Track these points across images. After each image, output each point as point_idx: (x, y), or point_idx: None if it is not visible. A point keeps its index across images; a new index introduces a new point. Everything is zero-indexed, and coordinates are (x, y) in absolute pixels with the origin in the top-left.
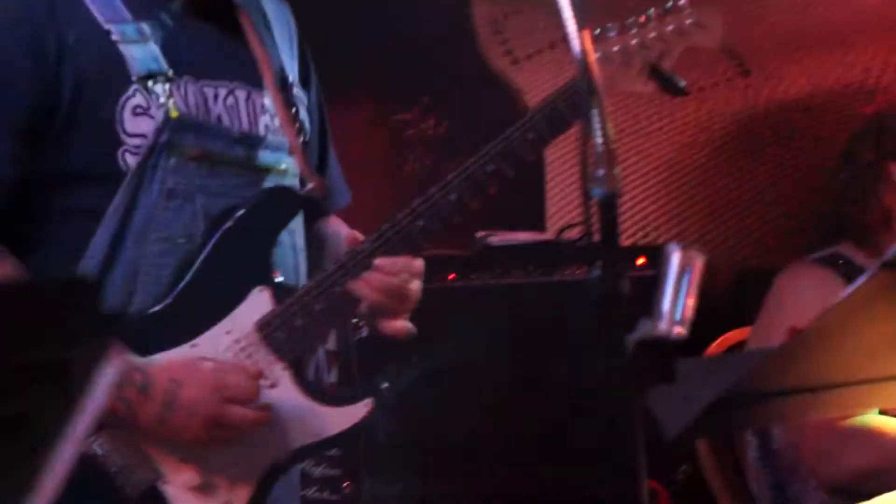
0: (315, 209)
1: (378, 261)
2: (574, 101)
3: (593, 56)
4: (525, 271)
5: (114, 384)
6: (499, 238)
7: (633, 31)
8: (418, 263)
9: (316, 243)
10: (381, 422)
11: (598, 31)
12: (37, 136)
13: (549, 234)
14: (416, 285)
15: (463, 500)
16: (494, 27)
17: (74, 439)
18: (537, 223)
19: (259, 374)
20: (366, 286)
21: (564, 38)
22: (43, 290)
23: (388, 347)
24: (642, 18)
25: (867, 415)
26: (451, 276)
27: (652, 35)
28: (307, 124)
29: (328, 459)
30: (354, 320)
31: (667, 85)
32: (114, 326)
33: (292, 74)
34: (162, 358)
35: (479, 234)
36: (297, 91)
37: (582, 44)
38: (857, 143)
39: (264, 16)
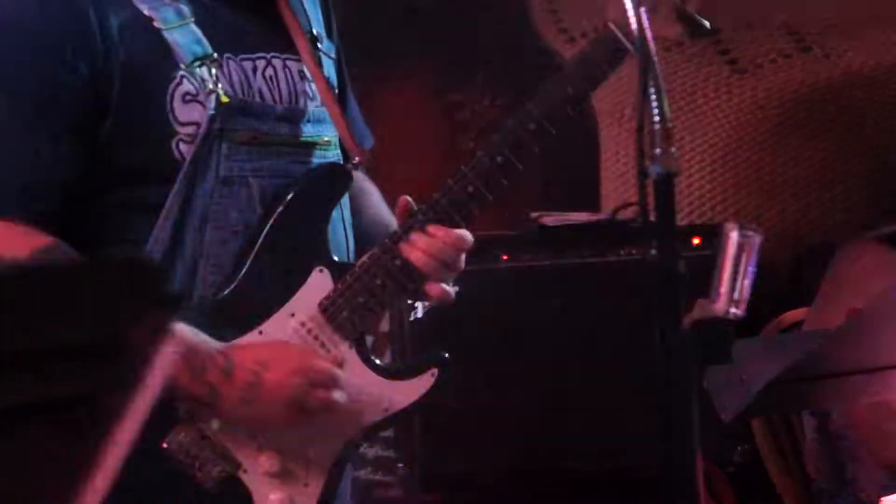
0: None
1: (430, 228)
2: (608, 51)
3: (651, 35)
4: (579, 252)
5: (196, 369)
6: (552, 218)
7: None
8: (468, 235)
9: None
10: (437, 402)
11: None
12: (91, 133)
13: (603, 214)
14: (463, 257)
15: (518, 479)
16: (550, 5)
17: (134, 420)
18: (592, 203)
19: (341, 362)
20: (416, 250)
21: (620, 14)
22: (101, 270)
23: (443, 329)
24: None
25: None
26: (505, 257)
27: None
28: (335, 81)
29: (382, 441)
30: (409, 301)
31: (693, 26)
32: (173, 307)
33: (318, 26)
34: (244, 342)
35: (533, 214)
36: (326, 44)
37: (638, 18)
38: None
39: None
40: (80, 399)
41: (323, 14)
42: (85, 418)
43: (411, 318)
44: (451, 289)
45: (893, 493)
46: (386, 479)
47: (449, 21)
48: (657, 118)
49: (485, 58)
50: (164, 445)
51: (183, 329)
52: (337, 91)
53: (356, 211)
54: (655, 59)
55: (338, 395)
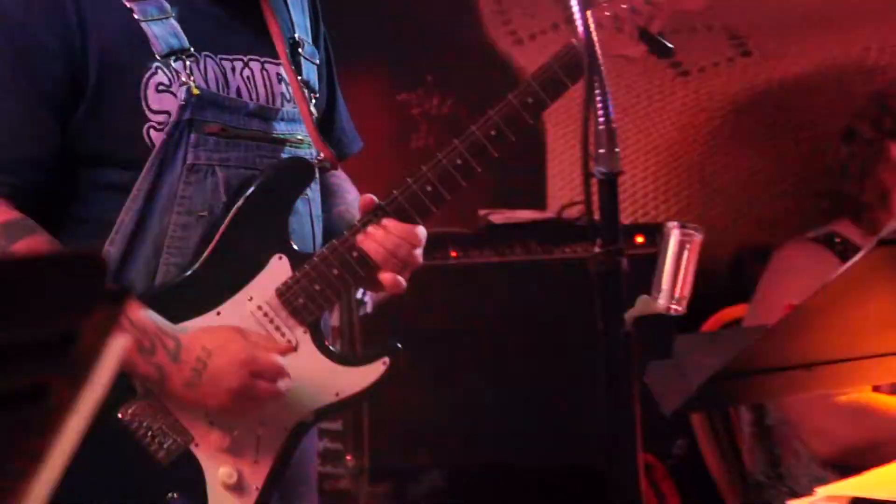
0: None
1: (385, 221)
2: (570, 65)
3: (596, 36)
4: (526, 249)
5: (146, 349)
6: (500, 216)
7: None
8: (422, 232)
9: (323, 193)
10: (384, 396)
11: None
12: (66, 114)
13: (549, 213)
14: (419, 252)
15: (462, 472)
16: (498, 8)
17: (86, 409)
18: (538, 202)
19: (289, 350)
20: (372, 242)
21: (567, 19)
22: (50, 263)
23: (392, 324)
24: None
25: (860, 391)
26: (454, 254)
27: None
28: (316, 84)
29: (331, 434)
30: (358, 297)
31: (656, 47)
32: (123, 300)
33: (304, 32)
34: (194, 326)
35: (482, 212)
36: (308, 49)
37: (585, 22)
38: (857, 121)
39: None
40: (31, 392)
41: (310, 21)
42: (36, 411)
43: (361, 313)
44: (400, 279)
45: (826, 484)
46: (335, 472)
47: (400, 23)
48: (602, 120)
49: (435, 59)
50: (120, 416)
51: (136, 309)
52: (319, 95)
53: (328, 208)
54: (601, 62)
55: (282, 386)
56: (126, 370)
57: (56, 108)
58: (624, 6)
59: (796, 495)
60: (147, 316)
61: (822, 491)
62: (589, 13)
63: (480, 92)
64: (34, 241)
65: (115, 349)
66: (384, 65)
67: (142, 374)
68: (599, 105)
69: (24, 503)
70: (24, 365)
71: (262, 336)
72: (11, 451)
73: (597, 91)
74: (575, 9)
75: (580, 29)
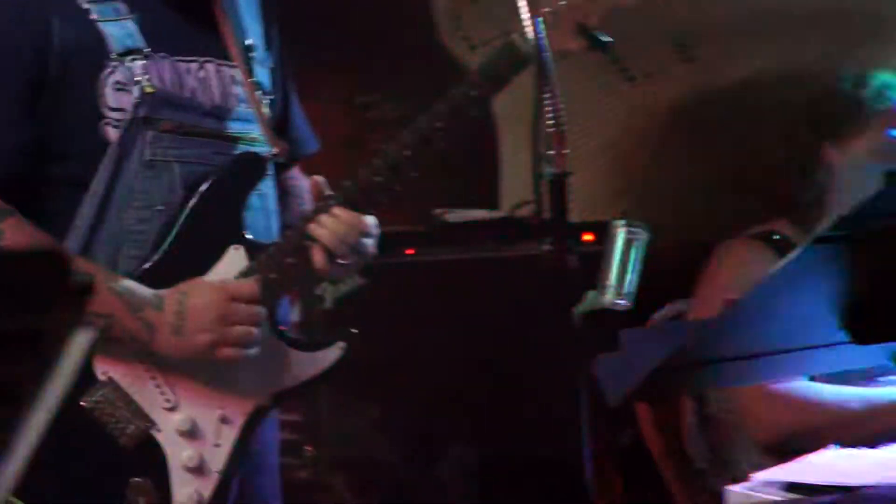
0: (281, 168)
1: (336, 209)
2: (510, 59)
3: (552, 47)
4: (479, 247)
5: (134, 307)
6: (455, 215)
7: None
8: (372, 221)
9: (280, 193)
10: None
11: None
12: (34, 109)
13: (502, 212)
14: (370, 241)
15: (416, 463)
16: (453, 14)
17: (52, 401)
18: (491, 201)
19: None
20: (323, 229)
21: (519, 26)
22: (12, 259)
23: (350, 319)
24: None
25: (797, 380)
26: (409, 251)
27: None
28: (269, 86)
29: (289, 425)
30: (318, 293)
31: (593, 41)
32: (84, 294)
33: (255, 37)
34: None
35: (436, 211)
36: (261, 54)
37: (535, 29)
38: (797, 124)
39: None
40: (1, 384)
41: (263, 28)
42: (4, 406)
43: (320, 308)
44: (354, 270)
45: (764, 470)
46: (293, 462)
47: (357, 29)
48: (552, 122)
49: (391, 65)
50: (83, 404)
51: (117, 278)
52: (273, 97)
53: (287, 207)
54: (551, 67)
55: (257, 311)
56: (116, 333)
57: (27, 104)
58: (561, 2)
59: (736, 481)
60: (128, 281)
61: (758, 476)
62: (540, 20)
63: (435, 96)
64: (15, 223)
65: (80, 342)
66: (342, 70)
67: (132, 332)
68: (549, 109)
69: None
70: None
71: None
72: None
73: (546, 96)
74: (525, 17)
75: (531, 36)
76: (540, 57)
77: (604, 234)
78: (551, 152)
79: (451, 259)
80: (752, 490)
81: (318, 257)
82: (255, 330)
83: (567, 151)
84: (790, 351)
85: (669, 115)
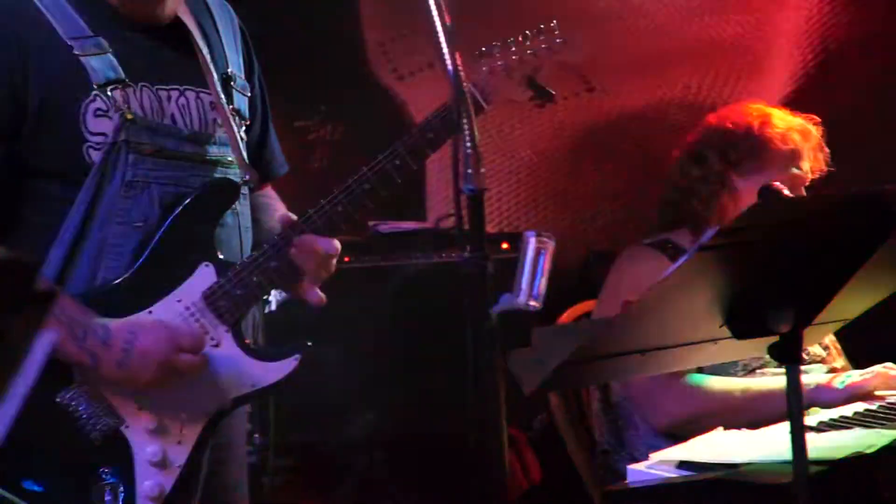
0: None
1: (305, 236)
2: (446, 119)
3: (462, 73)
4: (408, 254)
5: (78, 337)
6: (387, 226)
7: (513, 48)
8: (337, 245)
9: (253, 208)
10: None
11: (483, 49)
12: (11, 135)
13: (428, 223)
14: (333, 262)
15: (353, 447)
16: (382, 48)
17: (14, 399)
18: (419, 214)
19: (217, 342)
20: (298, 252)
21: (440, 59)
22: None
23: (292, 320)
24: (520, 38)
25: (687, 372)
26: (347, 259)
27: (528, 52)
28: (247, 113)
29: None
30: (266, 297)
31: (540, 93)
32: (48, 300)
33: (237, 68)
34: (121, 319)
35: (370, 222)
36: (240, 83)
37: (453, 62)
38: (707, 149)
39: (211, 16)
40: None
41: (243, 58)
42: None
43: (266, 311)
44: (322, 294)
45: (660, 451)
46: (245, 448)
47: (297, 58)
48: (469, 143)
49: (328, 92)
50: (58, 400)
51: (68, 304)
52: (250, 123)
53: (257, 222)
54: (467, 95)
55: (200, 358)
56: (63, 357)
57: (1, 129)
58: (513, 57)
59: (635, 461)
60: (78, 310)
61: (655, 456)
62: (456, 53)
63: (367, 121)
64: None
65: (43, 343)
66: (282, 96)
67: (76, 360)
68: (467, 133)
69: None
70: None
71: (183, 324)
72: None
73: (464, 121)
74: (444, 49)
75: (448, 67)
76: (457, 87)
77: (517, 242)
78: (469, 171)
79: (382, 265)
80: (650, 468)
81: (281, 278)
82: (194, 372)
83: (483, 170)
84: (680, 345)
85: (575, 137)
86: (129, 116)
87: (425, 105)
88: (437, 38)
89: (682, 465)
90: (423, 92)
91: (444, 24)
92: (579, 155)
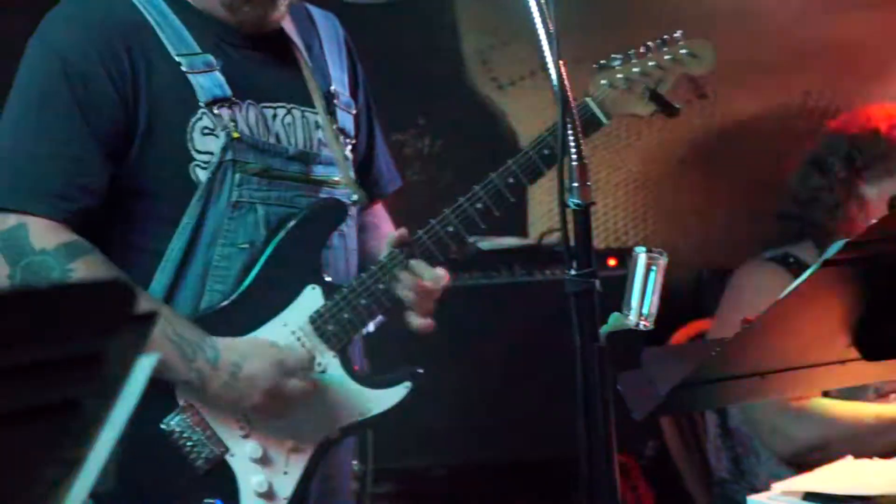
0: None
1: (413, 262)
2: (583, 120)
3: (568, 82)
4: (510, 272)
5: (187, 355)
6: (488, 242)
7: (635, 60)
8: (442, 275)
9: (359, 229)
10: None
11: (603, 61)
12: (119, 153)
13: (531, 239)
14: (438, 289)
15: (459, 471)
16: (480, 57)
17: (118, 421)
18: (521, 230)
19: (324, 368)
20: (400, 284)
21: (543, 66)
22: (80, 289)
23: (393, 340)
24: (642, 49)
25: (812, 396)
26: (446, 277)
27: (651, 64)
28: (352, 131)
29: None
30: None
31: (664, 108)
32: (148, 323)
33: (340, 85)
34: (230, 338)
35: (470, 239)
36: (344, 100)
37: (557, 70)
38: (830, 156)
39: (315, 31)
40: (63, 405)
41: (349, 77)
42: (69, 423)
43: (364, 332)
44: (430, 322)
45: (783, 480)
46: None
47: (394, 70)
48: (575, 157)
49: (425, 103)
50: (163, 427)
51: (179, 322)
52: (356, 141)
53: (363, 244)
54: (574, 105)
55: (308, 383)
56: (170, 377)
57: (108, 146)
58: (635, 70)
59: (756, 491)
60: (189, 329)
61: (778, 486)
62: (561, 62)
63: (466, 133)
64: (89, 261)
65: (145, 366)
66: (380, 108)
67: (184, 379)
68: (573, 145)
69: None
70: (57, 381)
71: (290, 349)
72: (47, 460)
73: (570, 132)
74: (549, 58)
75: (552, 74)
76: (564, 96)
77: (626, 259)
78: (575, 184)
79: (483, 283)
80: (772, 500)
81: (391, 302)
82: (302, 398)
83: (590, 183)
84: (804, 367)
85: (685, 148)
86: (236, 135)
87: (526, 115)
88: (541, 44)
89: (808, 496)
90: (523, 101)
91: (547, 30)
92: (690, 165)
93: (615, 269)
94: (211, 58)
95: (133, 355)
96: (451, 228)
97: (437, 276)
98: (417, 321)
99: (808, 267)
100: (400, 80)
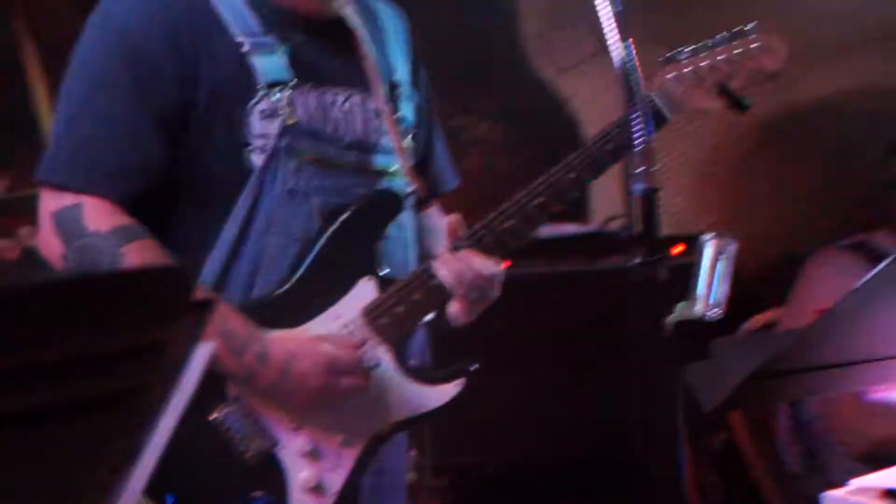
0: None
1: (463, 252)
2: (653, 116)
3: (634, 63)
4: (571, 260)
5: (236, 349)
6: (548, 230)
7: (704, 53)
8: (492, 266)
9: (418, 231)
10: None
11: (670, 53)
12: (177, 135)
13: (593, 226)
14: (493, 283)
15: (514, 470)
16: (542, 40)
17: (176, 410)
18: (582, 216)
19: (362, 342)
20: (445, 270)
21: (605, 49)
22: (137, 277)
23: (450, 329)
24: (711, 42)
25: (891, 389)
26: (506, 264)
27: (721, 57)
28: (411, 122)
29: None
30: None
31: (734, 103)
32: (206, 310)
33: (402, 75)
34: (280, 333)
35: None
36: (406, 90)
37: (623, 52)
38: None
39: (378, 22)
40: (124, 395)
41: (410, 67)
42: (129, 413)
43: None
44: (468, 310)
45: (860, 476)
46: None
47: (451, 54)
48: (640, 141)
49: (483, 88)
50: (212, 418)
51: (227, 314)
52: (416, 132)
53: (419, 242)
54: (640, 88)
55: (358, 379)
56: (218, 370)
57: (166, 126)
58: (704, 63)
59: (831, 487)
60: (238, 321)
61: (855, 482)
62: (628, 42)
63: (526, 118)
64: (143, 245)
65: (202, 354)
66: (439, 93)
67: (233, 373)
68: (637, 127)
69: (120, 497)
70: (117, 370)
71: (338, 335)
72: (107, 449)
73: (634, 115)
74: (612, 40)
75: (616, 60)
76: (628, 79)
77: (693, 246)
78: (640, 168)
79: (544, 272)
80: (847, 496)
81: (445, 296)
82: (353, 395)
83: (655, 168)
84: (884, 359)
85: (755, 132)
86: (292, 121)
87: (589, 99)
88: (605, 24)
89: (888, 494)
90: (585, 84)
91: (613, 9)
92: (760, 150)
93: (682, 257)
94: (272, 39)
95: (191, 343)
96: (508, 223)
97: (483, 263)
98: (453, 307)
99: (886, 255)
100: (457, 64)
